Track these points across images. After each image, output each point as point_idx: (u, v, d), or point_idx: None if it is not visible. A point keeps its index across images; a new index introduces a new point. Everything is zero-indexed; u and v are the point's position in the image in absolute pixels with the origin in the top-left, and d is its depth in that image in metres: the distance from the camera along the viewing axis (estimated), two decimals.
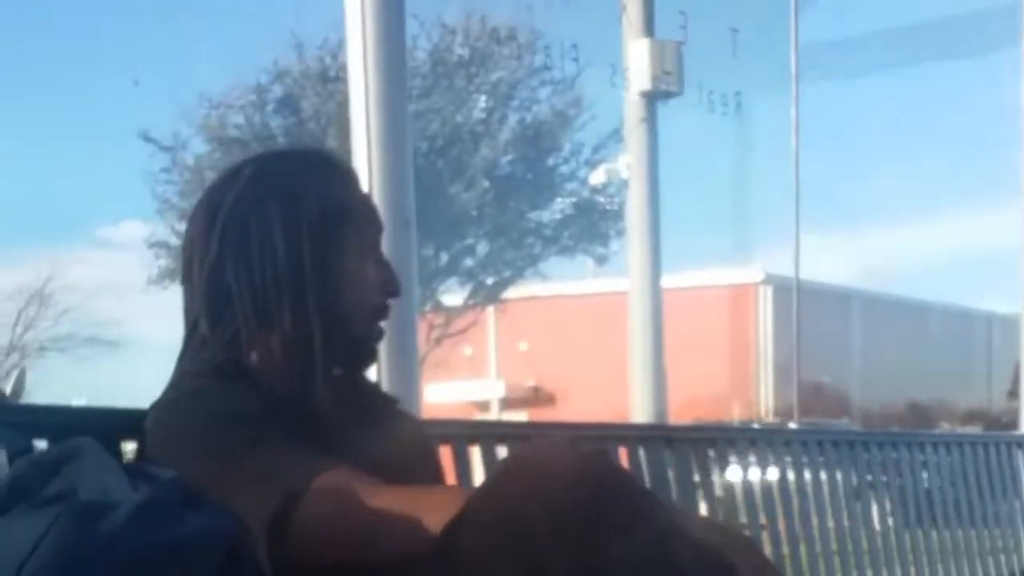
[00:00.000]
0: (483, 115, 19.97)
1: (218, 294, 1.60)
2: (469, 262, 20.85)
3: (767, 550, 3.34)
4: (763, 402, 23.78)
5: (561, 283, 23.00)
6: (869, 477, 3.81)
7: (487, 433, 2.62)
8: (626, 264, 9.93)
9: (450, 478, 1.96)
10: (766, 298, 24.16)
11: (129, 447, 1.65)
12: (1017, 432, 5.16)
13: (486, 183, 19.39)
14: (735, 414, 21.46)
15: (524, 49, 18.83)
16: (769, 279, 23.66)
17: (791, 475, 3.52)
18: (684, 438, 3.14)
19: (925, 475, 4.09)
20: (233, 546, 1.27)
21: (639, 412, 9.09)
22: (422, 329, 17.00)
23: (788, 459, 3.52)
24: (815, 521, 3.55)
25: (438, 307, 20.39)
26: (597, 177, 18.77)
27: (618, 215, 18.82)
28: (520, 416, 21.35)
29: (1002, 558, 4.34)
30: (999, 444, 4.49)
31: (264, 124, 19.70)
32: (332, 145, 14.78)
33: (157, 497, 1.24)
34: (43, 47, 30.63)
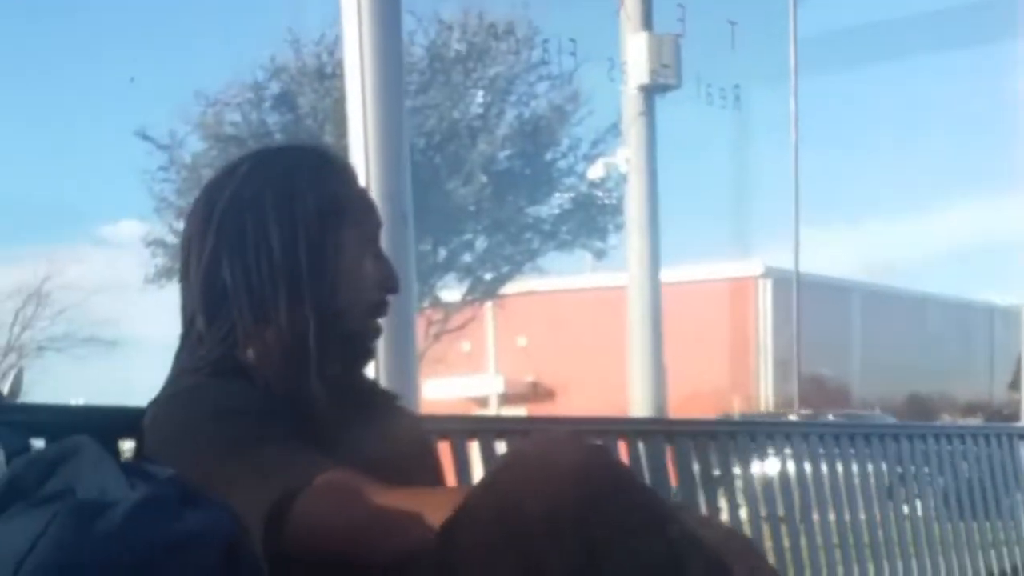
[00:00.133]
0: (481, 110, 19.98)
1: (214, 290, 1.60)
2: (467, 257, 20.87)
3: (769, 543, 3.35)
4: (763, 396, 23.79)
5: (560, 278, 23.02)
6: (871, 468, 3.81)
7: (486, 428, 2.62)
8: (625, 258, 9.93)
9: (449, 473, 1.96)
10: (766, 291, 24.16)
11: (127, 445, 1.65)
12: (1018, 424, 5.16)
13: (484, 178, 19.40)
14: (735, 408, 21.47)
15: (522, 44, 18.85)
16: (769, 272, 23.67)
17: (792, 467, 3.52)
18: (684, 432, 3.14)
19: (926, 469, 4.09)
20: (231, 544, 1.27)
21: (638, 406, 9.09)
22: (420, 325, 17.01)
23: (788, 451, 3.52)
24: (816, 515, 3.55)
25: (436, 303, 20.40)
26: (595, 171, 18.76)
27: (617, 209, 18.83)
28: (519, 411, 21.36)
29: (1004, 551, 4.34)
30: (1000, 436, 4.49)
31: (261, 121, 19.70)
32: (329, 141, 14.77)
33: (155, 495, 1.24)
34: (39, 45, 30.62)
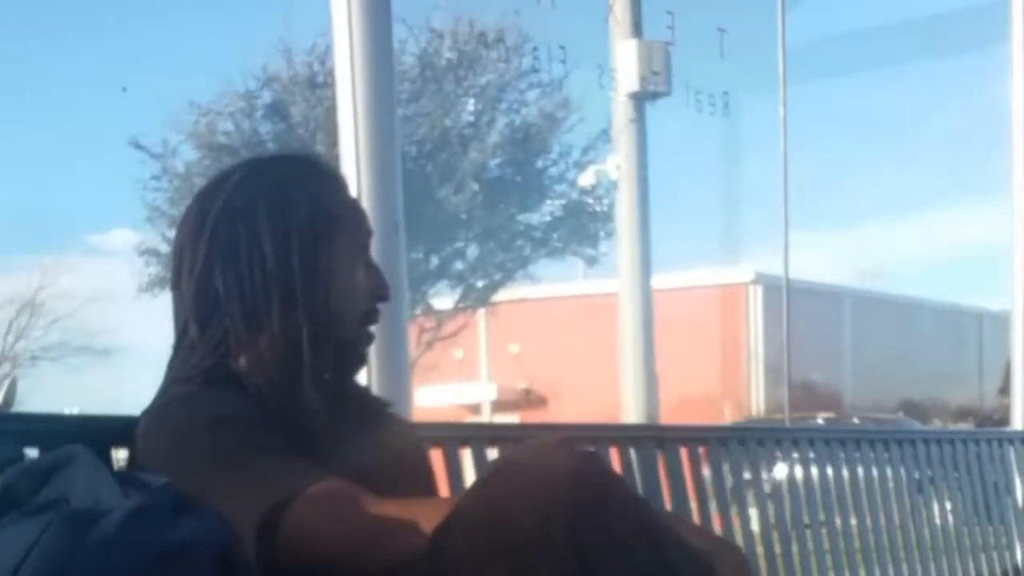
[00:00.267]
0: (472, 118, 19.97)
1: (207, 299, 1.60)
2: (459, 265, 20.85)
3: (762, 550, 3.35)
4: (755, 401, 23.80)
5: (551, 285, 23.01)
6: (862, 471, 3.82)
7: (478, 435, 2.62)
8: (616, 265, 9.94)
9: (441, 481, 1.97)
10: (756, 298, 24.17)
11: (120, 454, 1.65)
12: (1008, 428, 5.17)
13: (475, 186, 19.40)
14: (726, 414, 21.47)
15: (512, 52, 18.83)
16: (759, 278, 23.68)
17: (786, 472, 3.53)
18: (675, 438, 3.14)
19: (917, 473, 4.10)
20: (225, 552, 1.27)
21: (631, 413, 9.10)
22: (413, 332, 17.01)
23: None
24: (807, 518, 3.56)
25: (428, 310, 20.38)
26: (586, 179, 18.79)
27: (608, 216, 18.83)
28: (512, 418, 21.33)
29: (995, 555, 4.35)
30: (991, 440, 4.50)
31: (253, 130, 19.67)
32: (321, 150, 14.77)
33: (149, 504, 1.24)
34: (31, 56, 30.57)
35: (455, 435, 2.58)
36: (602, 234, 20.35)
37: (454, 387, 22.71)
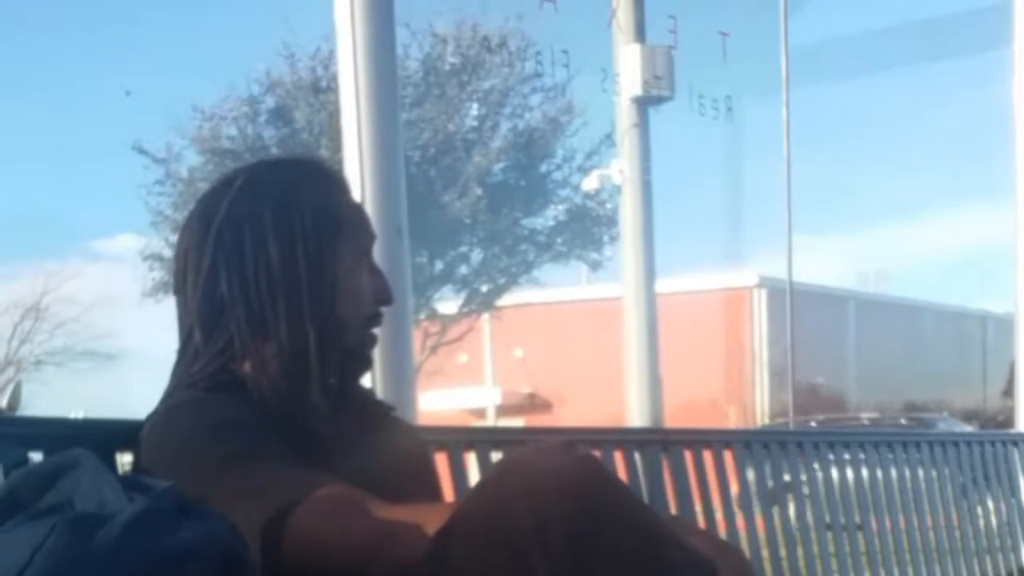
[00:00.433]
0: (475, 123, 19.99)
1: (212, 305, 1.60)
2: (463, 270, 20.86)
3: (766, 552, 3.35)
4: (759, 404, 23.77)
5: (556, 289, 23.00)
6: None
7: (482, 439, 2.62)
8: (620, 269, 9.93)
9: (445, 485, 1.97)
10: (760, 301, 24.16)
11: (125, 458, 1.66)
12: (1013, 430, 5.17)
13: (479, 191, 19.40)
14: (731, 417, 21.45)
15: (515, 56, 18.83)
16: (763, 282, 23.67)
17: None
18: (680, 441, 3.14)
19: (921, 473, 4.09)
20: (229, 556, 1.27)
21: (635, 417, 9.08)
22: (417, 337, 17.00)
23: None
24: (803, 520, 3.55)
25: (433, 315, 20.39)
26: (590, 183, 18.74)
27: (611, 221, 18.84)
28: (516, 423, 21.31)
29: (999, 557, 4.34)
30: (995, 442, 4.50)
31: (257, 135, 19.70)
32: (325, 155, 14.76)
33: (153, 507, 1.24)
34: (34, 60, 30.61)
35: (460, 439, 2.58)
36: (606, 238, 20.37)
37: (458, 391, 22.71)
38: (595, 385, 19.09)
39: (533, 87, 20.03)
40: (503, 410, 23.97)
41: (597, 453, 2.68)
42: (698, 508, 3.09)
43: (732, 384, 23.39)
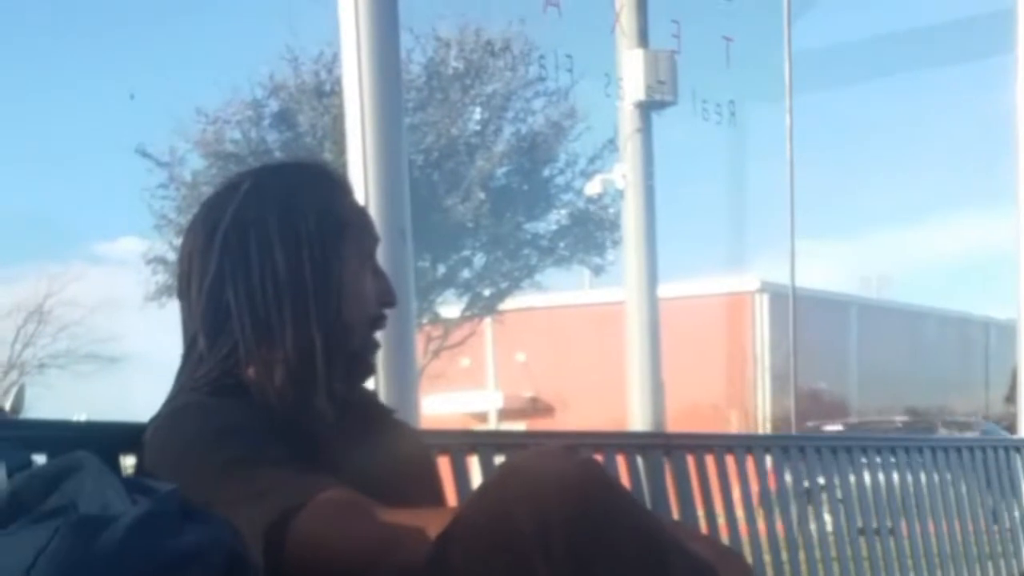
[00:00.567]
0: (478, 127, 20.01)
1: (217, 310, 1.60)
2: (466, 273, 20.88)
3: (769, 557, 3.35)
4: (761, 409, 23.77)
5: (558, 294, 23.01)
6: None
7: (485, 443, 2.62)
8: (623, 274, 9.94)
9: (448, 488, 1.97)
10: (762, 306, 24.16)
11: (128, 461, 1.66)
12: (1016, 436, 5.16)
13: (482, 195, 19.42)
14: (733, 422, 21.45)
15: (518, 61, 18.87)
16: (765, 287, 23.68)
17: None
18: (682, 445, 3.14)
19: (923, 478, 4.09)
20: (232, 559, 1.28)
21: (637, 421, 9.08)
22: (420, 341, 17.00)
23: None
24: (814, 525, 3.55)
25: (436, 319, 20.40)
26: (593, 187, 18.75)
27: (614, 225, 18.86)
28: (518, 427, 21.32)
29: (1001, 563, 4.34)
30: (997, 448, 4.49)
31: (261, 139, 19.72)
32: (328, 159, 14.78)
33: (156, 510, 1.24)
34: (37, 63, 30.66)
35: (462, 442, 2.58)
36: (608, 243, 20.38)
37: (461, 395, 22.71)
38: (597, 389, 19.09)
39: (536, 91, 20.08)
40: (505, 414, 23.98)
41: (599, 457, 2.69)
42: (700, 513, 3.09)
43: (734, 389, 23.39)
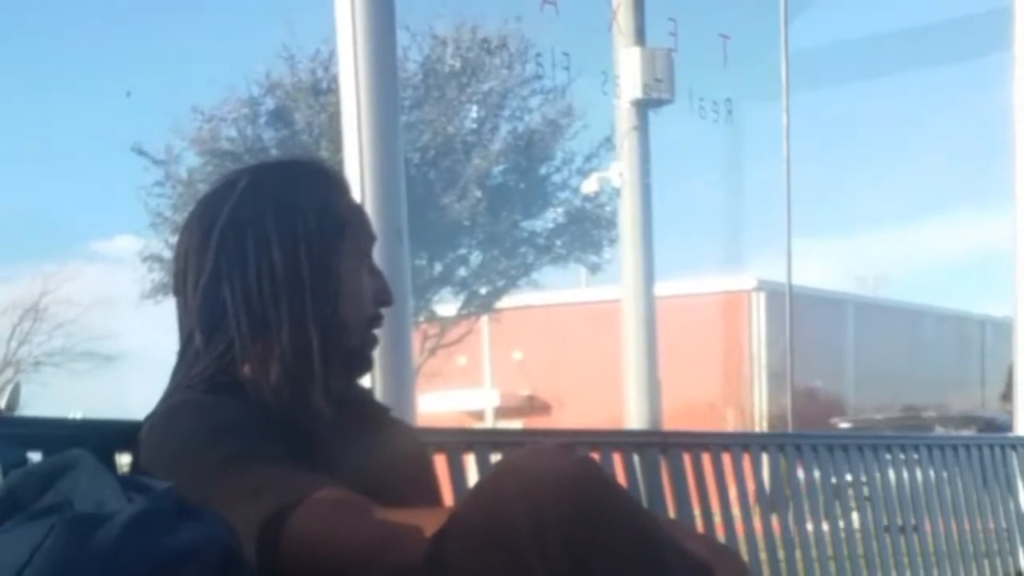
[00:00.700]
0: (475, 125, 20.01)
1: (213, 308, 1.60)
2: (462, 272, 20.88)
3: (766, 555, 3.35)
4: (758, 408, 23.78)
5: (555, 292, 23.02)
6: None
7: (481, 441, 2.62)
8: (619, 272, 9.94)
9: (444, 487, 1.97)
10: (759, 305, 24.16)
11: (124, 459, 1.66)
12: (1012, 434, 5.17)
13: (478, 193, 19.43)
14: (729, 420, 21.46)
15: (515, 59, 18.86)
16: (762, 285, 23.68)
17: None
18: (679, 444, 3.14)
19: (920, 475, 4.09)
20: (228, 557, 1.28)
21: (634, 420, 9.09)
22: (416, 339, 17.01)
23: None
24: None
25: (432, 317, 20.40)
26: (589, 186, 18.78)
27: (611, 223, 18.85)
28: (515, 425, 21.33)
29: (997, 561, 4.34)
30: (993, 446, 4.49)
31: (257, 137, 19.72)
32: (325, 157, 14.77)
33: (152, 508, 1.25)
34: (33, 60, 30.62)
35: (459, 441, 2.58)
36: (605, 241, 20.40)
37: (457, 393, 22.71)
38: (594, 387, 19.10)
39: (533, 89, 20.09)
40: (502, 412, 23.98)
41: (595, 455, 2.70)
42: (696, 511, 3.09)
43: (730, 387, 23.39)
